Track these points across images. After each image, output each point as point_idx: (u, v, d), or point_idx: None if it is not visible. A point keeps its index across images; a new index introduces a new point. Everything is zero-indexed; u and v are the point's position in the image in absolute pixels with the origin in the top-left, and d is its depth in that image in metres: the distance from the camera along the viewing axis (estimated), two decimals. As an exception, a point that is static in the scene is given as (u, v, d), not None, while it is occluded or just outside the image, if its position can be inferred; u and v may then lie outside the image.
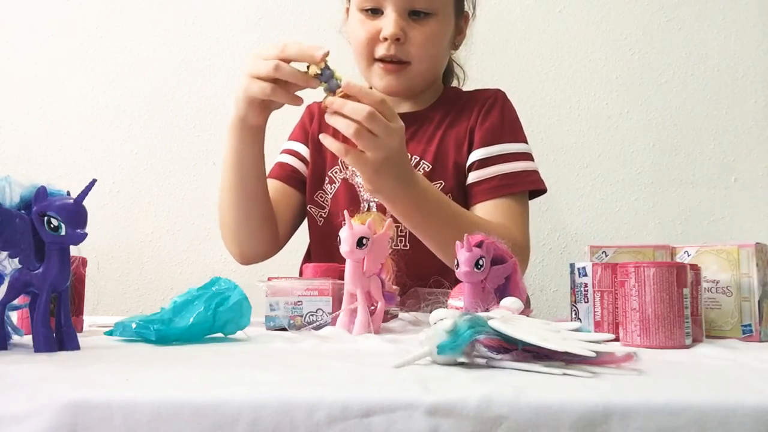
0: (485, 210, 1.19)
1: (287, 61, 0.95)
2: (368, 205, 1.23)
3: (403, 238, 1.20)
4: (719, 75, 1.84)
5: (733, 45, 1.84)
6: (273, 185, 1.26)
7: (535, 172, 1.24)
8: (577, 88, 1.84)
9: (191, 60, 1.86)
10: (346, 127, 0.92)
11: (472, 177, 1.22)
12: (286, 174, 1.29)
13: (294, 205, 1.29)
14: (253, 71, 0.98)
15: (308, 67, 0.94)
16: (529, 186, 1.23)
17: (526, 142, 1.26)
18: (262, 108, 1.04)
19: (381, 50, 1.19)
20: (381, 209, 1.22)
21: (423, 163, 1.23)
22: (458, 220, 1.09)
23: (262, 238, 1.21)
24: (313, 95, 1.04)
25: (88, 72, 1.85)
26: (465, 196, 1.22)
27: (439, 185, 1.20)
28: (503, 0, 1.83)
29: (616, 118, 1.84)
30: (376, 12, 1.20)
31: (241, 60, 1.83)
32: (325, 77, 0.93)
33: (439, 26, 1.21)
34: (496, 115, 1.25)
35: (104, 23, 1.86)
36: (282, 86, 0.97)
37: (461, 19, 1.29)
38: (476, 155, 1.22)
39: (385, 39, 1.18)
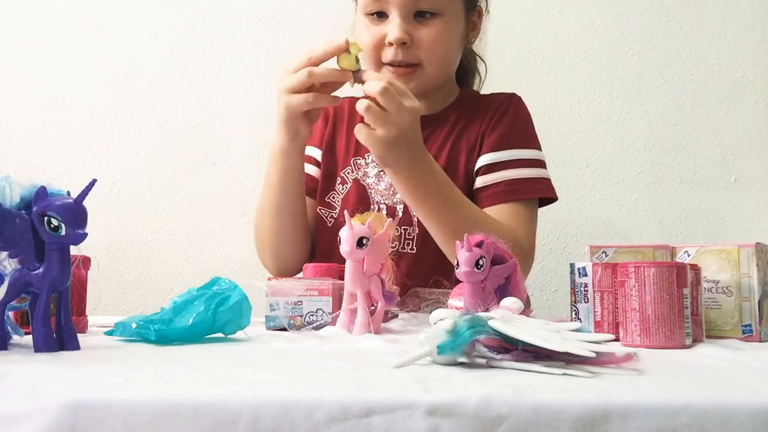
0: (494, 213, 1.18)
1: (317, 64, 0.99)
2: (378, 206, 1.23)
3: (411, 242, 1.20)
4: (719, 75, 1.84)
5: (733, 45, 1.84)
6: None
7: (545, 180, 1.23)
8: (577, 88, 1.84)
9: (191, 60, 1.85)
10: (359, 104, 0.97)
11: (479, 182, 1.21)
12: (309, 187, 1.27)
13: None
14: (288, 87, 1.01)
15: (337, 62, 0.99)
16: (537, 193, 1.22)
17: (538, 148, 1.25)
18: (308, 120, 1.06)
19: (388, 55, 1.18)
20: (391, 212, 1.22)
21: None
22: (463, 207, 1.10)
23: (300, 252, 1.23)
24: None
25: (88, 72, 1.85)
26: (474, 201, 1.22)
27: None
28: (503, 0, 1.83)
29: (616, 118, 1.83)
30: (381, 16, 1.18)
31: (240, 60, 1.84)
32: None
33: (447, 25, 1.19)
34: (507, 120, 1.24)
35: (104, 23, 1.86)
36: (320, 91, 1.01)
37: (473, 14, 1.27)
38: (483, 160, 1.22)
39: (391, 44, 1.17)
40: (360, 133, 1.00)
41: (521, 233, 1.16)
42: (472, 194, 1.22)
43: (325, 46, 0.99)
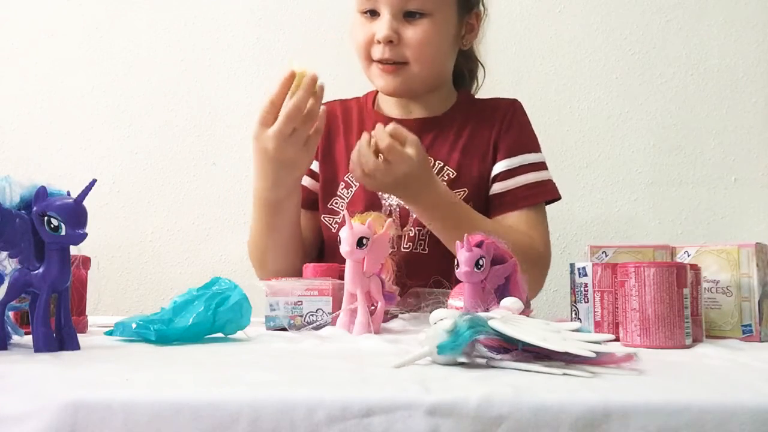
0: (509, 221, 1.22)
1: (281, 102, 1.06)
2: (391, 208, 1.23)
3: (423, 242, 1.20)
4: (719, 75, 1.83)
5: (733, 45, 1.84)
6: None
7: (552, 181, 1.27)
8: (577, 88, 1.83)
9: (191, 60, 1.85)
10: (353, 166, 1.08)
11: (496, 188, 1.24)
12: (304, 198, 1.26)
13: (315, 226, 1.29)
14: (261, 119, 1.09)
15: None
16: (548, 196, 1.26)
17: (541, 150, 1.29)
18: (306, 153, 1.11)
19: (377, 53, 1.20)
20: (405, 213, 1.22)
21: (447, 169, 1.23)
22: (476, 223, 1.12)
23: (294, 266, 1.22)
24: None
25: (88, 72, 1.85)
26: (486, 203, 1.24)
27: (462, 193, 1.21)
28: (503, 0, 1.83)
29: (616, 118, 1.83)
30: (374, 14, 1.20)
31: (240, 60, 1.84)
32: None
33: (435, 26, 1.20)
34: (516, 126, 1.27)
35: (104, 23, 1.86)
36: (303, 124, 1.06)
37: (470, 16, 1.27)
38: (500, 167, 1.24)
39: (380, 42, 1.19)
40: (354, 172, 1.08)
41: (538, 239, 1.21)
42: (484, 197, 1.24)
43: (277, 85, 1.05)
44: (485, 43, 1.36)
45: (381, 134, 1.05)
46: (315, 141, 1.09)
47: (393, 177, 1.06)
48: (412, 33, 1.19)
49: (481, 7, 1.30)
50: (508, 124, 1.26)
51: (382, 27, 1.18)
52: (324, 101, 1.12)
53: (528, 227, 1.21)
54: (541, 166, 1.27)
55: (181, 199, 1.83)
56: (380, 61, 1.21)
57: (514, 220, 1.21)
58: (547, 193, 1.26)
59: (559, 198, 1.27)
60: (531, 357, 0.61)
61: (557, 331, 0.66)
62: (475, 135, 1.26)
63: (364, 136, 1.07)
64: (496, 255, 0.86)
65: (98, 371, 0.61)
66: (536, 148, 1.28)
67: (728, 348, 0.81)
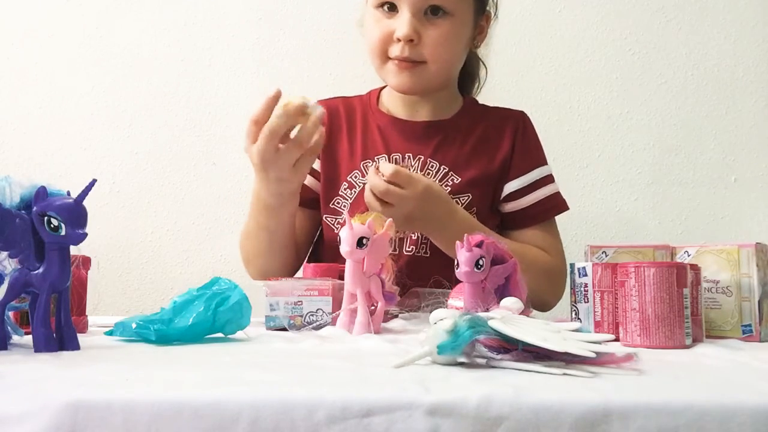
0: (524, 238, 1.24)
1: (265, 121, 1.04)
2: None
3: (425, 245, 1.20)
4: (719, 75, 1.83)
5: (733, 45, 1.84)
6: None
7: (560, 194, 1.29)
8: (577, 88, 1.83)
9: (191, 60, 1.85)
10: (367, 197, 1.07)
11: (510, 207, 1.26)
12: (302, 196, 1.23)
13: (311, 224, 1.29)
14: (249, 136, 1.05)
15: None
16: (560, 208, 1.29)
17: (547, 162, 1.31)
18: (295, 173, 1.09)
19: (395, 51, 1.18)
20: None
21: (452, 174, 1.22)
22: None
23: (287, 266, 1.23)
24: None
25: (88, 72, 1.85)
26: (491, 210, 1.25)
27: (466, 198, 1.21)
28: (503, 0, 1.83)
29: (616, 118, 1.83)
30: (392, 9, 1.18)
31: (240, 60, 1.84)
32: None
33: (455, 26, 1.19)
34: (528, 143, 1.28)
35: (104, 23, 1.86)
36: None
37: (482, 18, 1.27)
38: (513, 186, 1.25)
39: (399, 40, 1.16)
40: (370, 206, 1.07)
41: (554, 254, 1.24)
42: (489, 204, 1.24)
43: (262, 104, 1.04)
44: (485, 44, 1.35)
45: (384, 164, 1.07)
46: (307, 162, 1.08)
47: (412, 203, 1.05)
48: (434, 33, 1.17)
49: (491, 10, 1.29)
50: (521, 141, 1.27)
51: (402, 25, 1.15)
52: (324, 99, 1.12)
53: (544, 243, 1.24)
54: (550, 179, 1.28)
55: (181, 199, 1.83)
56: (397, 59, 1.19)
57: (529, 236, 1.24)
58: (559, 206, 1.29)
59: (567, 209, 1.29)
60: (531, 357, 0.61)
61: (557, 331, 0.66)
62: (482, 142, 1.26)
63: (371, 168, 1.08)
64: (496, 255, 0.86)
65: (98, 371, 0.61)
66: (544, 161, 1.30)
67: (728, 348, 0.81)
